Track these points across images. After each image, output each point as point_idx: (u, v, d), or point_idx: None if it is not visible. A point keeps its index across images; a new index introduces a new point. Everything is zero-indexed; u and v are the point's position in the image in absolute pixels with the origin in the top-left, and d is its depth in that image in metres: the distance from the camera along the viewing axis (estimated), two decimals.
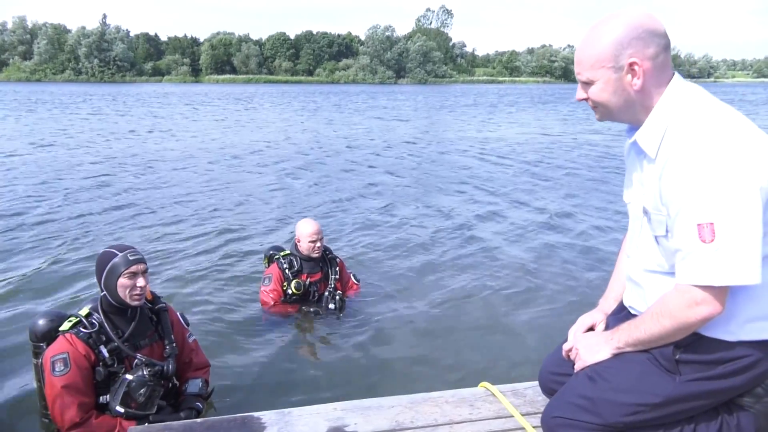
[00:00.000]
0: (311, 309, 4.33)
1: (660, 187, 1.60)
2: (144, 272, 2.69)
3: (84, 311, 2.68)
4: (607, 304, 2.04)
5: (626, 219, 1.90)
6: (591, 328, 1.99)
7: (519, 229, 7.11)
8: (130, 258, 2.64)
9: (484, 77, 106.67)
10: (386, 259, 5.91)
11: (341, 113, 29.87)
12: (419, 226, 7.32)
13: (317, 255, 4.38)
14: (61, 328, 2.61)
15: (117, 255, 2.65)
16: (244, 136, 18.54)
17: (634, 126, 1.76)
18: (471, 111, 32.43)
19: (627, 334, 1.74)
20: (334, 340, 4.09)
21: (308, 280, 4.38)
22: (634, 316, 1.85)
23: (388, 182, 10.67)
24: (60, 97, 41.32)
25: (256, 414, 2.10)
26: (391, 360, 3.76)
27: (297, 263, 4.37)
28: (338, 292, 4.42)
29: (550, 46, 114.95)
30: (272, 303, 4.35)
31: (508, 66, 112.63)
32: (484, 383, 2.29)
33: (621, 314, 1.94)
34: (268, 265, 4.51)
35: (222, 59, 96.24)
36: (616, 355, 1.77)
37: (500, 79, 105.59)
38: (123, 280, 2.61)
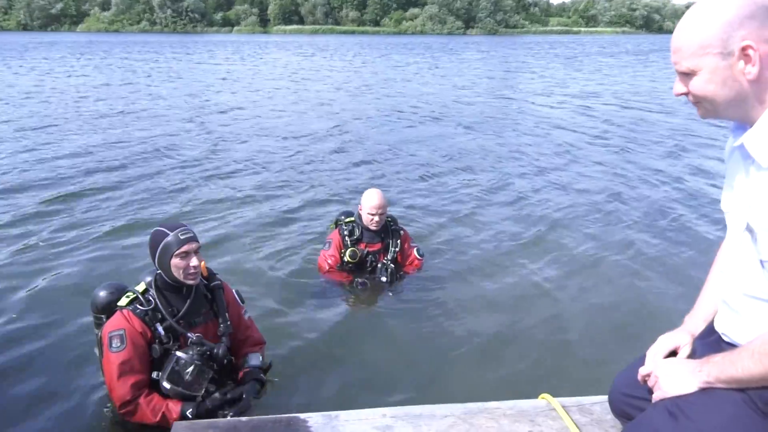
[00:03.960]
0: (361, 280, 4.24)
1: None
2: (196, 251, 2.67)
3: (141, 287, 2.70)
4: (694, 325, 1.78)
5: None
6: (673, 352, 1.75)
7: (610, 218, 6.18)
8: (182, 237, 2.63)
9: (558, 27, 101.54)
10: (459, 237, 5.55)
11: (453, 66, 29.08)
12: (510, 203, 6.73)
13: (375, 228, 4.28)
14: (119, 304, 2.65)
15: (168, 234, 2.63)
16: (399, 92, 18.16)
17: (743, 124, 1.47)
18: (576, 64, 30.72)
19: (719, 369, 1.50)
20: (386, 329, 3.88)
21: (366, 249, 4.30)
22: (727, 343, 1.61)
23: (498, 145, 10.07)
24: (190, 48, 43.84)
25: (301, 416, 2.01)
26: (444, 355, 3.50)
27: (358, 231, 4.30)
28: (391, 265, 4.30)
29: None
30: (327, 268, 4.33)
31: (584, 15, 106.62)
32: (545, 395, 2.11)
33: (710, 339, 1.69)
34: (334, 229, 4.45)
35: (289, 9, 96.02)
36: (703, 390, 1.54)
37: (575, 29, 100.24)
38: (176, 261, 2.61)
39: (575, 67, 28.61)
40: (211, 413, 2.45)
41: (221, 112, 13.47)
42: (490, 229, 5.79)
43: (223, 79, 21.44)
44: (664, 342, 1.77)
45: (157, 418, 2.47)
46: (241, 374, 2.85)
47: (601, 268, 4.88)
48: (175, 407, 2.49)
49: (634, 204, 6.67)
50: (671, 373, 1.63)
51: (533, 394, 2.18)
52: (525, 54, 40.07)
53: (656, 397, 1.64)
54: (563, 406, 2.03)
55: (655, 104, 15.14)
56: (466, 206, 6.53)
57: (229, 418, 2.21)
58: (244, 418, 2.02)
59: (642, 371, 1.74)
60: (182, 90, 17.73)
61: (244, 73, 23.96)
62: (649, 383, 1.70)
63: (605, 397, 1.99)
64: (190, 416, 2.42)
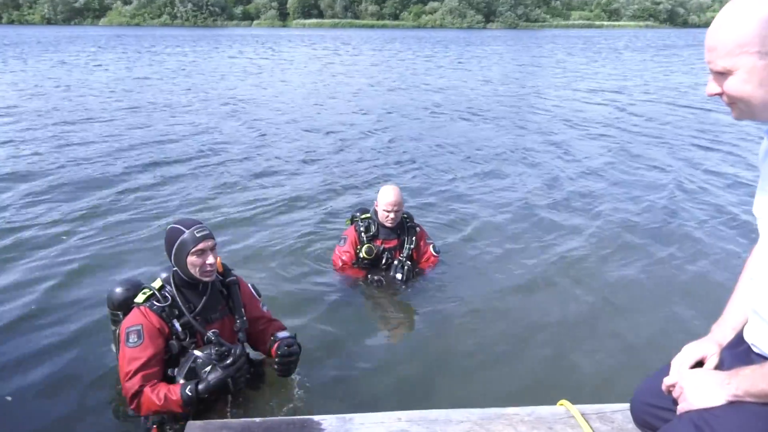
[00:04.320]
0: (376, 277, 4.21)
1: None
2: (212, 248, 2.67)
3: (157, 283, 2.71)
4: (721, 334, 1.72)
5: None
6: (700, 362, 1.69)
7: (641, 215, 5.93)
8: (197, 235, 2.63)
9: (580, 21, 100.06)
10: (485, 236, 5.39)
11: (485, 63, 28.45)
12: (536, 197, 6.58)
13: (390, 225, 4.24)
14: (135, 300, 2.66)
15: (184, 232, 2.64)
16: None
17: None
18: (602, 59, 29.95)
19: (749, 383, 1.44)
20: (402, 329, 3.83)
21: (382, 246, 4.27)
22: (757, 354, 1.55)
23: (535, 141, 9.82)
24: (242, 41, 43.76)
25: (315, 417, 1.99)
26: (461, 358, 3.41)
27: (374, 228, 4.27)
28: (407, 262, 4.25)
29: None
30: (341, 265, 4.32)
31: (606, 9, 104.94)
32: (564, 401, 2.05)
33: (739, 349, 1.63)
34: (350, 225, 4.42)
35: (309, 3, 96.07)
36: (731, 404, 1.48)
37: (597, 23, 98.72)
38: (192, 258, 2.62)
39: (602, 62, 27.97)
40: (211, 390, 2.46)
41: (257, 107, 13.51)
42: (519, 230, 5.59)
43: (255, 73, 21.48)
44: (691, 351, 1.71)
45: (161, 402, 2.46)
46: (273, 349, 2.78)
47: (630, 270, 4.65)
48: (175, 388, 2.48)
49: (683, 204, 6.37)
50: (698, 384, 1.57)
51: (552, 401, 2.13)
52: (550, 48, 39.30)
53: (681, 409, 1.59)
54: (582, 414, 1.98)
55: (691, 99, 14.79)
56: (502, 205, 6.36)
57: (244, 418, 2.18)
58: (257, 419, 2.00)
59: (666, 381, 1.68)
60: (218, 84, 17.77)
61: (275, 68, 23.94)
62: (674, 394, 1.64)
63: (627, 405, 1.94)
64: (190, 393, 2.43)
